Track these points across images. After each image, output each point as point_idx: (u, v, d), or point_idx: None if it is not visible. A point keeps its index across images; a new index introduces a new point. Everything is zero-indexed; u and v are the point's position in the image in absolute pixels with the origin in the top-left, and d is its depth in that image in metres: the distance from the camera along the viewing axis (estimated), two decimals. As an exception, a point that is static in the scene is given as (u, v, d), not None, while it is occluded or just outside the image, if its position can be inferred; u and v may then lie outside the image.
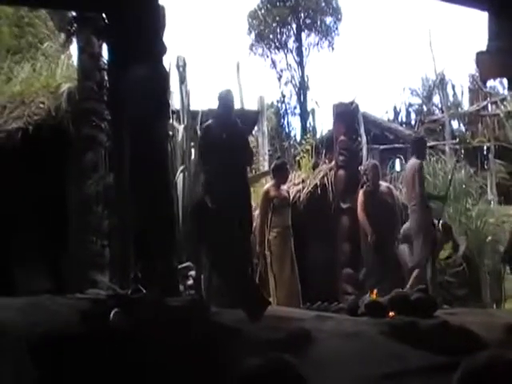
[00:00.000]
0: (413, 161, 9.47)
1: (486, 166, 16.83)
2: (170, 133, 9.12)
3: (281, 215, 8.86)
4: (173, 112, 10.07)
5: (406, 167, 9.58)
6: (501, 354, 1.71)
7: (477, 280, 10.47)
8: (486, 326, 7.04)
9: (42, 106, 9.47)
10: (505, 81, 11.41)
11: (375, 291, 8.40)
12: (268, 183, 9.35)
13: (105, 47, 8.47)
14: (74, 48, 10.46)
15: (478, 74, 13.80)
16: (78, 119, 8.87)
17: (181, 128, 11.14)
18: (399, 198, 9.84)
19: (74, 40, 9.91)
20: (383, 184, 9.77)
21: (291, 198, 10.61)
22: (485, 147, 17.09)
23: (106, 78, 8.33)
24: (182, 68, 11.90)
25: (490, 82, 16.25)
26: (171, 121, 9.44)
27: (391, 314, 7.00)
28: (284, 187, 9.22)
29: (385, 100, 44.95)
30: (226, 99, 7.53)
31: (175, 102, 11.63)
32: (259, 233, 8.98)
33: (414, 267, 8.99)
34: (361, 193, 9.55)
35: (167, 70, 7.05)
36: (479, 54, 9.25)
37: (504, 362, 1.67)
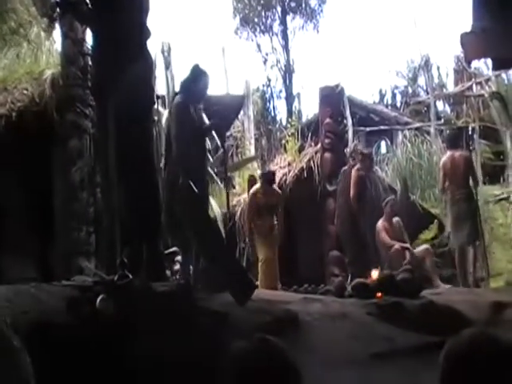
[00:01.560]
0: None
1: (470, 147, 16.89)
2: (155, 118, 9.06)
3: (266, 217, 8.96)
4: (158, 97, 10.01)
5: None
6: (484, 332, 1.73)
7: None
8: (471, 304, 7.10)
9: (25, 92, 9.38)
10: (489, 61, 11.42)
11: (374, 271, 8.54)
12: (255, 186, 9.36)
13: (88, 32, 8.39)
14: (57, 34, 10.37)
15: (462, 55, 13.79)
16: (61, 106, 8.80)
17: (166, 113, 11.09)
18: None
19: (57, 25, 9.82)
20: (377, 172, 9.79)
21: (277, 184, 10.65)
22: (470, 128, 17.15)
23: (90, 63, 8.26)
24: (166, 53, 11.84)
25: (475, 63, 16.27)
26: (156, 106, 9.38)
27: (378, 294, 7.04)
28: (272, 188, 9.27)
29: (370, 82, 44.93)
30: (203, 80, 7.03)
31: (160, 87, 11.57)
32: (246, 219, 9.02)
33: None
34: (355, 173, 9.53)
35: (152, 54, 6.99)
36: (464, 35, 9.25)
37: (487, 339, 1.69)
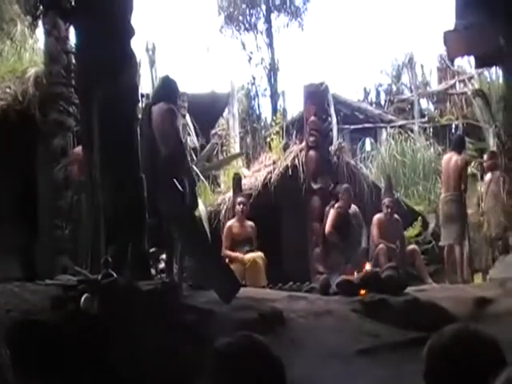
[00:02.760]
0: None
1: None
2: (140, 116, 9.04)
3: (241, 250, 9.03)
4: (142, 95, 9.99)
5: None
6: (466, 327, 1.75)
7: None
8: (455, 301, 7.16)
9: (8, 90, 9.32)
10: (472, 59, 11.51)
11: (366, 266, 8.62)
12: (231, 220, 9.41)
13: (72, 30, 8.35)
14: (40, 32, 10.30)
15: (446, 53, 13.87)
16: (45, 104, 8.76)
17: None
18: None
19: (41, 23, 9.76)
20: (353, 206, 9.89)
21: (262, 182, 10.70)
22: (453, 125, 17.25)
23: (74, 61, 8.22)
24: (151, 51, 11.83)
25: (458, 61, 16.36)
26: (141, 104, 9.36)
27: (362, 291, 7.07)
28: (248, 223, 9.30)
29: (354, 80, 45.01)
30: (165, 84, 7.50)
31: (145, 86, 11.54)
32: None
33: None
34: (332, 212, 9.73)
35: (136, 53, 6.98)
36: (447, 33, 9.34)
37: (469, 334, 1.71)
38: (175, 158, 7.00)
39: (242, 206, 9.32)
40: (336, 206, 9.81)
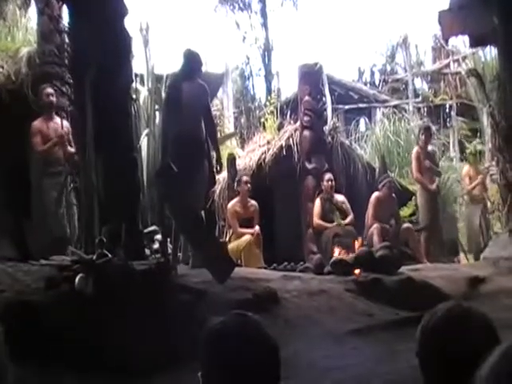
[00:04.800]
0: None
1: (448, 124, 17.01)
2: (134, 96, 8.99)
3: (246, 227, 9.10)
4: (136, 75, 9.92)
5: None
6: (459, 305, 1.75)
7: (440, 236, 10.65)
8: (449, 280, 7.21)
9: (0, 70, 9.25)
10: (466, 39, 11.47)
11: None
12: (234, 200, 9.38)
13: (65, 9, 8.27)
14: (33, 11, 10.20)
15: (440, 33, 13.81)
16: (38, 83, 8.69)
17: (145, 91, 11.02)
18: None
19: (33, 2, 9.66)
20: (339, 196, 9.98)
21: (256, 163, 10.70)
22: (447, 105, 17.24)
23: (67, 40, 8.15)
24: (145, 31, 11.73)
25: (452, 41, 16.28)
26: (135, 84, 9.30)
27: (357, 271, 7.10)
28: (251, 202, 9.33)
29: (349, 60, 44.79)
30: (192, 59, 7.50)
31: (139, 66, 11.47)
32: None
33: None
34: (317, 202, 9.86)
35: (130, 32, 6.93)
36: (442, 13, 9.31)
37: (462, 312, 1.71)
38: (202, 137, 7.18)
39: (248, 185, 9.35)
40: (320, 195, 9.87)
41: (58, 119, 8.16)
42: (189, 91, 7.23)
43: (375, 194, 9.74)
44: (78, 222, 6.75)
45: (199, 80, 7.46)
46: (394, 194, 9.92)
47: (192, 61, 7.50)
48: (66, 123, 8.06)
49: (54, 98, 8.20)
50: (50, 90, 8.19)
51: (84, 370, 4.28)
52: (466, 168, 11.10)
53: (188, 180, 6.71)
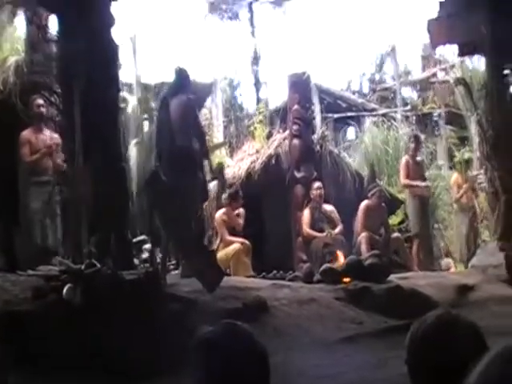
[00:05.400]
0: None
1: (436, 132, 17.08)
2: (122, 105, 8.98)
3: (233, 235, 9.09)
4: (125, 84, 9.93)
5: None
6: (448, 313, 1.76)
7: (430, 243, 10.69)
8: (438, 288, 7.22)
9: (-12, 79, 9.21)
10: (454, 48, 11.54)
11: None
12: (221, 210, 9.31)
13: (53, 18, 8.26)
14: (21, 20, 10.17)
15: (429, 42, 13.90)
16: (26, 93, 8.66)
17: (133, 100, 11.02)
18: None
19: (21, 11, 9.63)
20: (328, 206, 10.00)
21: (246, 171, 10.72)
22: (435, 113, 17.32)
23: (55, 50, 8.14)
24: (133, 40, 11.76)
25: (441, 49, 16.38)
26: (123, 93, 9.30)
27: (346, 279, 7.10)
28: (239, 210, 9.29)
29: (337, 69, 45.00)
30: (179, 76, 7.63)
31: (127, 75, 11.47)
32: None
33: None
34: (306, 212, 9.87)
35: (117, 42, 6.94)
36: (430, 21, 9.37)
37: (451, 321, 1.72)
38: (194, 148, 7.29)
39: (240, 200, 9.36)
40: (309, 205, 9.89)
41: (47, 130, 8.15)
42: (177, 106, 7.32)
43: (365, 203, 9.76)
44: (62, 233, 6.71)
45: (187, 94, 7.51)
46: (383, 203, 9.94)
47: (179, 77, 7.68)
48: (55, 134, 8.05)
49: (44, 109, 8.19)
50: (40, 101, 8.18)
51: (72, 379, 4.25)
52: (454, 176, 11.15)
53: (178, 189, 6.71)
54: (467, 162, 11.56)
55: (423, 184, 10.12)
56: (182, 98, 7.37)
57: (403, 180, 10.06)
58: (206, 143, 7.95)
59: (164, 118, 7.44)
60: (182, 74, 7.70)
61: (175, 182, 6.71)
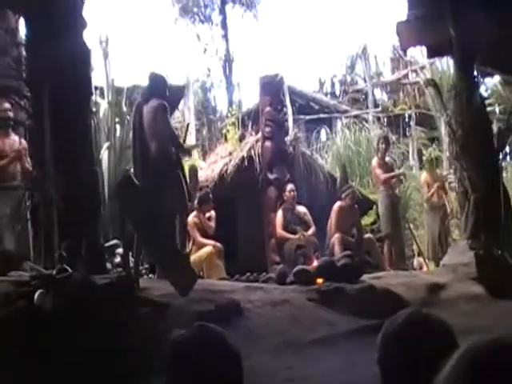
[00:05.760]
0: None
1: (407, 133, 17.27)
2: (94, 109, 8.92)
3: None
4: (96, 88, 9.87)
5: None
6: (418, 311, 1.78)
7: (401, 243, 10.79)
8: (409, 287, 7.29)
9: (-45, 84, 9.09)
10: (424, 49, 11.67)
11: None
12: (193, 213, 9.21)
13: (22, 22, 8.18)
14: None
15: (398, 44, 14.04)
16: (-5, 97, 8.57)
17: (105, 104, 10.96)
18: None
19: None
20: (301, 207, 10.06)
21: (218, 174, 10.73)
22: (406, 115, 17.50)
23: (24, 53, 8.06)
24: (104, 44, 11.69)
25: (411, 51, 16.56)
26: (94, 97, 9.24)
27: (319, 280, 7.14)
28: (208, 214, 9.30)
29: (309, 71, 45.20)
30: (151, 81, 7.62)
31: (99, 79, 11.41)
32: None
33: None
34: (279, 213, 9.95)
35: (89, 45, 6.90)
36: (400, 24, 9.46)
37: (421, 319, 1.74)
38: (168, 153, 7.24)
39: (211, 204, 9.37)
40: (282, 206, 9.93)
41: (14, 135, 8.07)
42: (149, 111, 7.34)
43: (338, 204, 9.82)
44: (32, 238, 6.64)
45: (160, 100, 7.46)
46: (356, 205, 10.02)
47: (152, 82, 7.65)
48: (23, 140, 7.97)
49: (10, 113, 8.10)
50: (6, 105, 8.09)
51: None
52: (423, 175, 11.26)
53: (151, 193, 6.70)
54: (437, 160, 11.67)
55: (400, 171, 10.48)
56: (154, 104, 7.34)
57: (382, 176, 10.14)
58: (180, 147, 7.90)
59: (137, 123, 7.41)
60: (155, 79, 7.67)
61: (149, 188, 6.70)
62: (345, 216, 9.77)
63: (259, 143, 10.98)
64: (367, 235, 10.04)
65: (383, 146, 10.36)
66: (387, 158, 10.64)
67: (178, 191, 7.28)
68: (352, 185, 10.65)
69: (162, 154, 7.22)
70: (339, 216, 9.71)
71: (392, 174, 10.40)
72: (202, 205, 9.22)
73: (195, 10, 23.28)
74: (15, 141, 7.99)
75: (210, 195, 9.43)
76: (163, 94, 7.55)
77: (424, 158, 11.98)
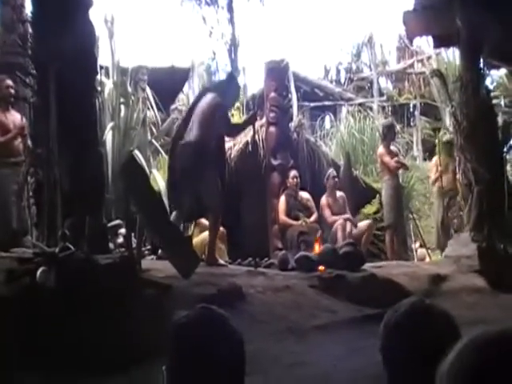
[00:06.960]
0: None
1: (412, 123, 17.22)
2: (99, 88, 8.88)
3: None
4: (101, 68, 9.81)
5: None
6: (421, 301, 1.77)
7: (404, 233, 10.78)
8: (412, 277, 7.29)
9: (-39, 60, 9.06)
10: (430, 39, 11.61)
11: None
12: None
13: (28, -1, 8.14)
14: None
15: (405, 33, 13.97)
16: (0, 73, 8.53)
17: (110, 84, 10.91)
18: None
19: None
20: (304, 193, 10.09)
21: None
22: (411, 104, 17.45)
23: (30, 30, 8.01)
24: (110, 23, 11.63)
25: (417, 41, 16.49)
26: (100, 76, 9.19)
27: (321, 267, 7.13)
28: None
29: (315, 57, 45.03)
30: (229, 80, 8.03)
31: (104, 58, 11.35)
32: None
33: None
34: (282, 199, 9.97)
35: (94, 24, 6.85)
36: (406, 13, 9.41)
37: (424, 309, 1.73)
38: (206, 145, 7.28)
39: None
40: (285, 192, 9.92)
41: (14, 112, 8.05)
42: (203, 103, 7.49)
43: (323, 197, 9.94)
44: (36, 216, 6.62)
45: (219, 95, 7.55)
46: (341, 192, 10.07)
47: (227, 81, 8.05)
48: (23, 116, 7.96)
49: (12, 90, 8.08)
50: (9, 82, 8.06)
51: (45, 366, 4.21)
52: (434, 159, 11.09)
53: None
54: (449, 144, 11.45)
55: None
56: (213, 97, 7.43)
57: (391, 163, 10.09)
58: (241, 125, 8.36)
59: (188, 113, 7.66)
60: (232, 83, 7.95)
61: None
62: (332, 203, 9.86)
63: (263, 128, 10.94)
64: (367, 221, 10.05)
65: (389, 133, 10.34)
66: (392, 147, 10.60)
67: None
68: (350, 172, 10.70)
69: (197, 144, 7.25)
70: (327, 204, 9.81)
71: (402, 160, 10.39)
72: None
73: (202, -8, 23.09)
74: (17, 117, 7.97)
75: None
76: (229, 98, 7.74)
77: (437, 141, 11.73)
